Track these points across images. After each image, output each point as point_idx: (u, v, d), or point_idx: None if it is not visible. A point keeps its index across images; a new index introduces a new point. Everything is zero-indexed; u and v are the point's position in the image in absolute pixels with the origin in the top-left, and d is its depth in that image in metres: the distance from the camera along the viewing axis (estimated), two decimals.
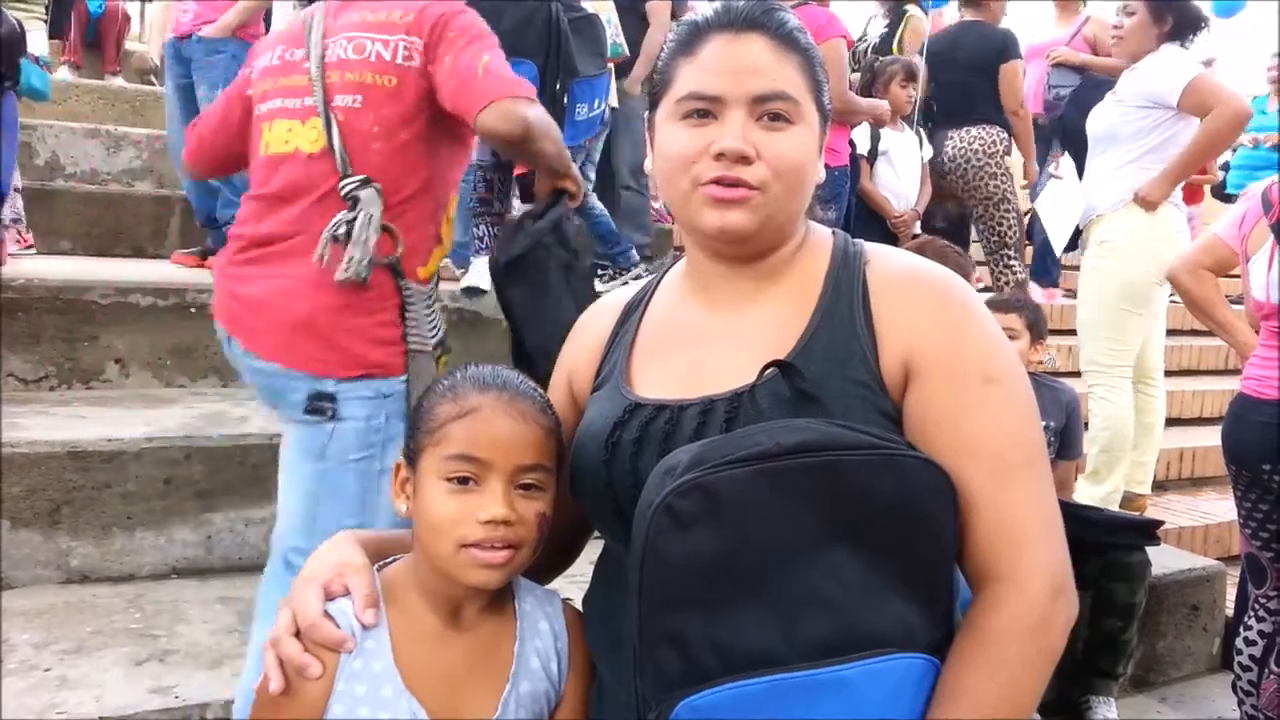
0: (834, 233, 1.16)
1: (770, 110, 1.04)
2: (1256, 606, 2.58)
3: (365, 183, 1.83)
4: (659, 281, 1.24)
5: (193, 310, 3.35)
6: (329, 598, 1.05)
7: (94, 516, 2.57)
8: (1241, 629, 2.61)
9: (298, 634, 1.03)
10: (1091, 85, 4.01)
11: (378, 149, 1.85)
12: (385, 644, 1.05)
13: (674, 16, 4.58)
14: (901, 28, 5.34)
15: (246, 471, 2.72)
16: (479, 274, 3.92)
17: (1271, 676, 2.47)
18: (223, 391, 3.34)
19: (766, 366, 1.00)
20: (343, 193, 1.83)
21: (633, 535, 0.92)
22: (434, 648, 1.05)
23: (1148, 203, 3.44)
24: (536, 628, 1.12)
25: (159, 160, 5.26)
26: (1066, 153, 3.95)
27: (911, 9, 5.44)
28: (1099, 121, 3.63)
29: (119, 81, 6.51)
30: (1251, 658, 2.57)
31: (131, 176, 5.24)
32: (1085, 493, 3.50)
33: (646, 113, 1.16)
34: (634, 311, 1.21)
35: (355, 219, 1.81)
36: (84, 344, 3.21)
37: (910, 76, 4.83)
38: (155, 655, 2.15)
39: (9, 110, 3.44)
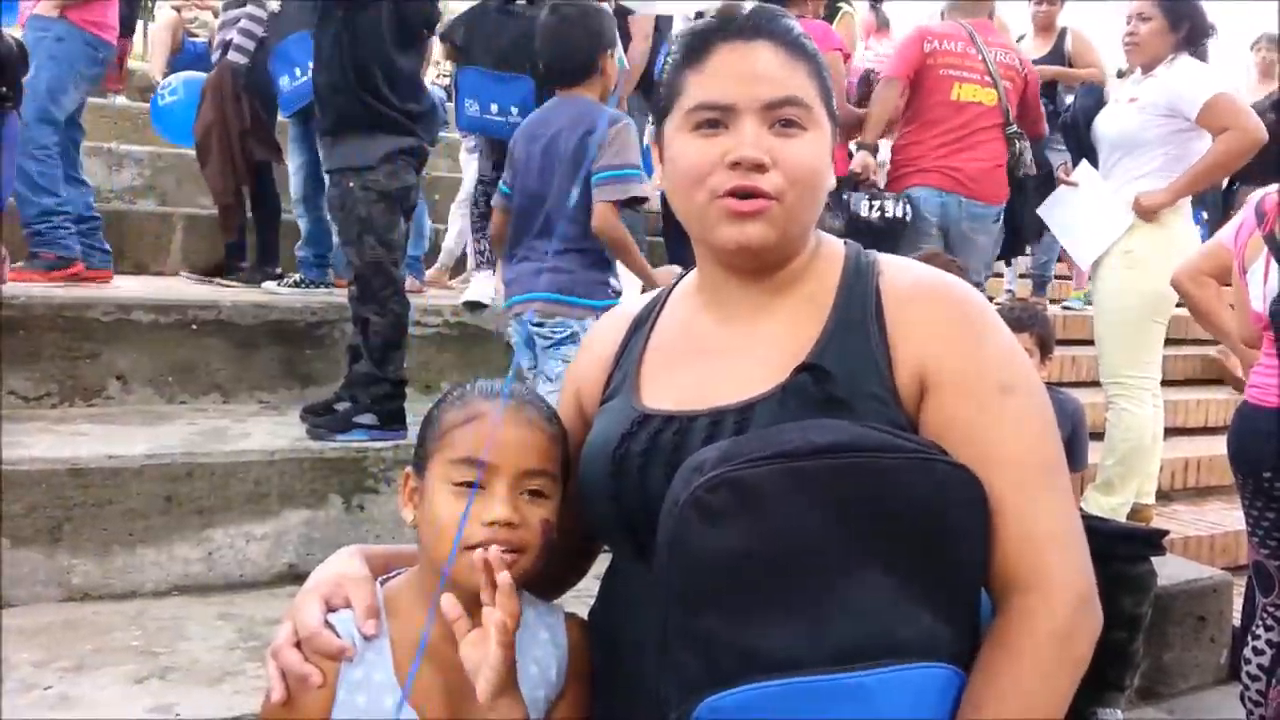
0: (845, 243, 1.15)
1: (783, 116, 1.03)
2: (1265, 615, 2.56)
3: (1019, 128, 3.91)
4: (669, 293, 1.24)
5: (194, 327, 3.36)
6: (330, 609, 1.05)
7: (95, 534, 2.56)
8: (1250, 638, 2.59)
9: (299, 645, 1.03)
10: (1085, 91, 4.01)
11: (1016, 111, 3.91)
12: (387, 655, 1.05)
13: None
14: (834, 24, 5.32)
15: (248, 488, 2.71)
16: (480, 288, 3.92)
17: (1258, 685, 2.45)
18: (224, 408, 3.34)
19: (797, 369, 0.99)
20: (1007, 132, 3.88)
21: (658, 532, 0.91)
22: (435, 660, 1.05)
23: (1146, 210, 3.44)
24: (536, 638, 1.11)
25: (161, 178, 5.29)
26: (1084, 160, 3.92)
27: (844, 5, 5.41)
28: (1113, 125, 3.62)
29: (121, 100, 6.53)
30: (1260, 667, 2.54)
31: (133, 194, 5.26)
32: (1096, 503, 3.48)
33: (651, 127, 1.16)
34: (644, 323, 1.21)
35: (1022, 149, 3.88)
36: (85, 361, 3.21)
37: None
38: (156, 673, 2.14)
39: (10, 130, 3.45)
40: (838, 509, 0.88)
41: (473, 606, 1.08)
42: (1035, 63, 5.05)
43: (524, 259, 2.78)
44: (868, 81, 5.01)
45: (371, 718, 1.02)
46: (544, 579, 1.14)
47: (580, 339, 2.53)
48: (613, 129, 2.65)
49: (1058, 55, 5.27)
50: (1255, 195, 2.64)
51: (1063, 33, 5.37)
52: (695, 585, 0.88)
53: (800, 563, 0.88)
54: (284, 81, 4.16)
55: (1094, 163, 3.79)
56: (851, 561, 0.89)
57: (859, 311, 1.05)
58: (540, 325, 2.69)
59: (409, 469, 1.13)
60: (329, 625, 1.04)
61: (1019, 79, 3.95)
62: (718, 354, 1.10)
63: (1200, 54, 3.50)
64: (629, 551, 1.07)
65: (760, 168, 1.02)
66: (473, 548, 1.03)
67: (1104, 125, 3.67)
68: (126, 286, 3.95)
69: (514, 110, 3.75)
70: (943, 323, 1.03)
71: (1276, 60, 5.62)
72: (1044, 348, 2.99)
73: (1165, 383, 3.87)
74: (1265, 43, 5.82)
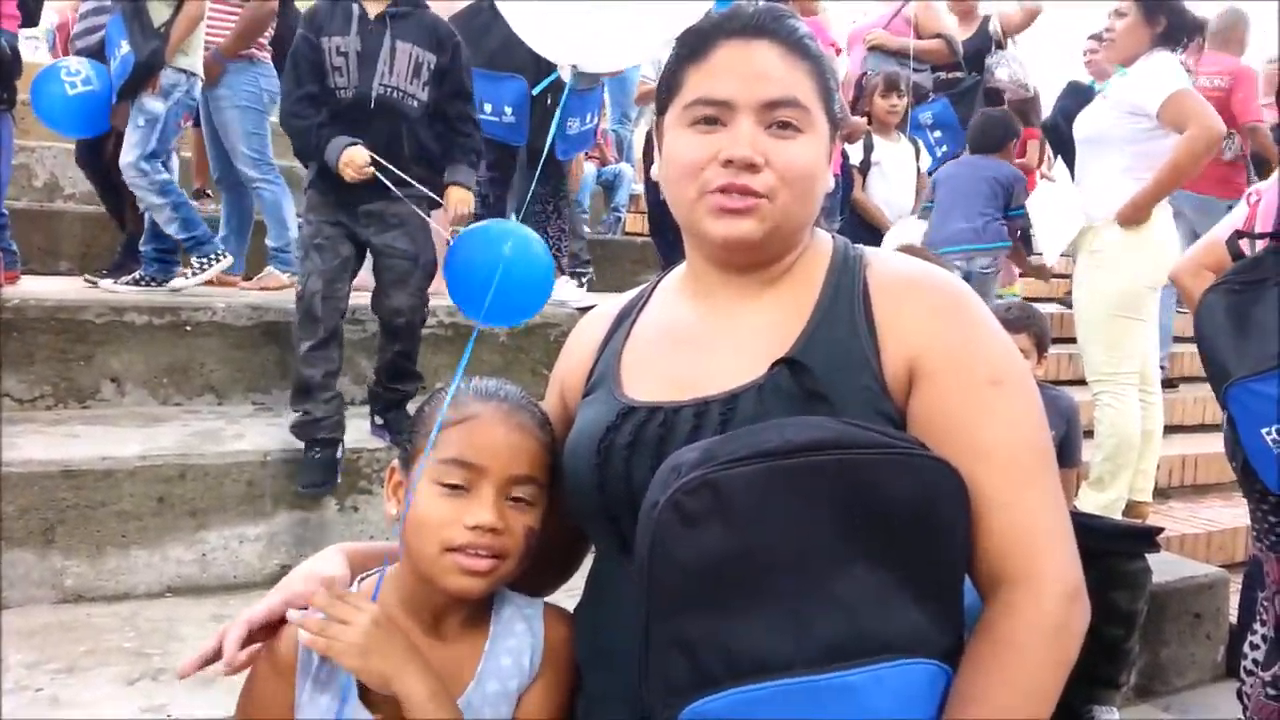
0: (833, 237, 1.15)
1: (780, 118, 1.03)
2: (1263, 610, 2.55)
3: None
4: (654, 287, 1.23)
5: (188, 329, 3.35)
6: (302, 607, 1.06)
7: (88, 535, 2.56)
8: (1249, 634, 2.58)
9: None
10: (1072, 91, 4.02)
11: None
12: None
13: None
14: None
15: (240, 489, 2.72)
16: None
17: (1253, 680, 2.44)
18: (218, 409, 3.33)
19: (775, 364, 0.99)
20: None
21: (637, 535, 0.90)
22: None
23: (1129, 222, 3.45)
24: (512, 629, 1.11)
25: None
26: (1059, 156, 3.95)
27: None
28: (1086, 125, 3.63)
29: None
30: (1256, 662, 2.54)
31: None
32: (1088, 500, 3.48)
33: (654, 119, 1.16)
34: (627, 317, 1.20)
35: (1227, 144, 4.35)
36: (79, 363, 3.20)
37: (891, 87, 4.82)
38: (148, 674, 2.14)
39: (5, 132, 3.44)
40: (818, 507, 0.88)
41: (447, 613, 1.08)
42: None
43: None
44: (858, 86, 5.03)
45: (335, 712, 1.02)
46: (526, 581, 1.14)
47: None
48: (1018, 185, 4.38)
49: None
50: (1255, 188, 2.64)
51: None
52: (676, 588, 0.88)
53: (782, 563, 0.87)
54: (572, 125, 4.05)
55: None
56: (834, 560, 0.88)
57: (846, 303, 1.04)
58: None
59: (395, 463, 1.13)
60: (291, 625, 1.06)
61: (1221, 94, 4.76)
62: (702, 344, 1.09)
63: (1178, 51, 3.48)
64: (613, 546, 1.06)
65: (752, 167, 1.01)
66: (455, 550, 1.02)
67: (1078, 124, 3.68)
68: (120, 289, 3.94)
69: (508, 110, 3.75)
70: (932, 314, 1.02)
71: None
72: (1040, 347, 3.00)
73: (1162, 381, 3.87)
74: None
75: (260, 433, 3.00)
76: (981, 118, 4.83)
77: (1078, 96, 3.91)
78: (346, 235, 2.95)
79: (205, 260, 3.90)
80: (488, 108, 3.73)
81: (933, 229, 4.51)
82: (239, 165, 4.30)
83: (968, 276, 4.84)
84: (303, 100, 2.90)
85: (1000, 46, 5.53)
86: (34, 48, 8.90)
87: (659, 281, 1.24)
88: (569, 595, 1.26)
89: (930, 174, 5.15)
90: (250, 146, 4.31)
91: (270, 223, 4.37)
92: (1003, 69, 5.56)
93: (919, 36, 5.26)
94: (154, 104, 3.80)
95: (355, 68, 2.87)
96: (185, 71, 3.88)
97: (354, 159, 2.79)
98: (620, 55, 2.48)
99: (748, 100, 1.02)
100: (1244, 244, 2.37)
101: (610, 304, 1.27)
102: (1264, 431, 2.08)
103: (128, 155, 3.82)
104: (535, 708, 1.09)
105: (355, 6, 2.88)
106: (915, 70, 4.99)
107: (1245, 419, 2.12)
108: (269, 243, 4.38)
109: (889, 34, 5.33)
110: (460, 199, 3.04)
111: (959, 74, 5.39)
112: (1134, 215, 3.42)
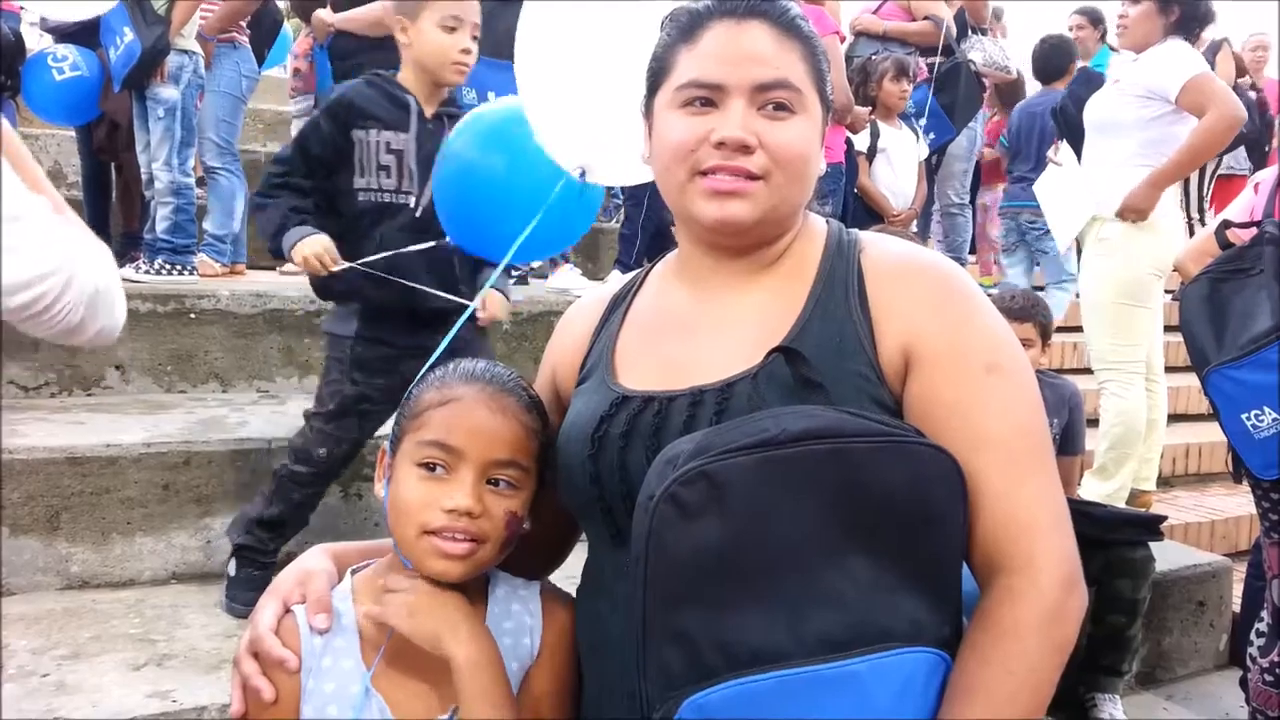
0: (828, 221, 1.14)
1: (773, 99, 1.02)
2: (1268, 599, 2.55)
3: None
4: (647, 273, 1.22)
5: (192, 316, 3.36)
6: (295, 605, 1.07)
7: (93, 522, 2.57)
8: (1256, 621, 2.58)
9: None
10: (1084, 79, 4.00)
11: None
12: (354, 642, 1.05)
13: None
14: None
15: (245, 476, 2.72)
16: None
17: (1254, 668, 2.45)
18: (222, 397, 3.34)
19: (771, 352, 0.98)
20: None
21: (634, 528, 0.90)
22: (403, 643, 1.04)
23: (1138, 212, 3.39)
24: (508, 610, 1.10)
25: None
26: (1065, 140, 3.92)
27: None
28: (1098, 109, 3.61)
29: None
30: (1261, 649, 2.54)
31: None
32: (1092, 489, 3.48)
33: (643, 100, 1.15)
34: (620, 303, 1.19)
35: None
36: (84, 351, 3.20)
37: (901, 72, 4.79)
38: (153, 660, 2.15)
39: (7, 118, 3.43)
40: (816, 497, 0.87)
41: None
42: None
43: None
44: (863, 70, 5.01)
45: (338, 705, 1.02)
46: (514, 566, 1.13)
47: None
48: None
49: None
50: (1259, 176, 2.63)
51: None
52: (673, 581, 0.87)
53: (779, 553, 0.86)
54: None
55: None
56: (831, 550, 0.87)
57: (841, 289, 1.03)
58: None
59: (384, 445, 1.13)
60: (293, 616, 1.05)
61: None
62: (696, 332, 1.08)
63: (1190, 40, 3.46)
64: (607, 538, 1.05)
65: (745, 149, 1.00)
66: (432, 532, 1.02)
67: (1089, 109, 3.66)
68: (124, 276, 3.95)
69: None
70: (928, 299, 1.01)
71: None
72: (1044, 336, 3.00)
73: (1166, 369, 3.86)
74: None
75: (265, 420, 3.01)
76: (1040, 46, 5.08)
77: (1090, 84, 3.88)
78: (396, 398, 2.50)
79: (168, 267, 3.84)
80: (491, 95, 3.71)
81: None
82: (203, 150, 4.26)
83: (1021, 232, 5.09)
84: (288, 189, 2.40)
85: (975, 31, 5.51)
86: (39, 36, 8.86)
87: (651, 267, 1.23)
88: (569, 581, 1.26)
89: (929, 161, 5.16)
90: (219, 134, 4.31)
91: (218, 211, 4.35)
92: (976, 53, 5.54)
93: (911, 19, 5.29)
94: (168, 92, 3.80)
95: (416, 170, 2.39)
96: (188, 52, 3.88)
97: (313, 250, 2.28)
98: (634, 170, 2.27)
99: (740, 82, 1.01)
100: (1231, 233, 2.38)
101: (602, 290, 1.26)
102: (1243, 416, 2.10)
103: (158, 151, 3.83)
104: (541, 684, 1.09)
105: (412, 100, 2.43)
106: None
107: (1225, 405, 2.15)
108: (209, 229, 4.32)
109: (875, 19, 5.33)
110: (496, 304, 2.46)
111: (935, 58, 5.35)
112: (1145, 198, 3.37)
